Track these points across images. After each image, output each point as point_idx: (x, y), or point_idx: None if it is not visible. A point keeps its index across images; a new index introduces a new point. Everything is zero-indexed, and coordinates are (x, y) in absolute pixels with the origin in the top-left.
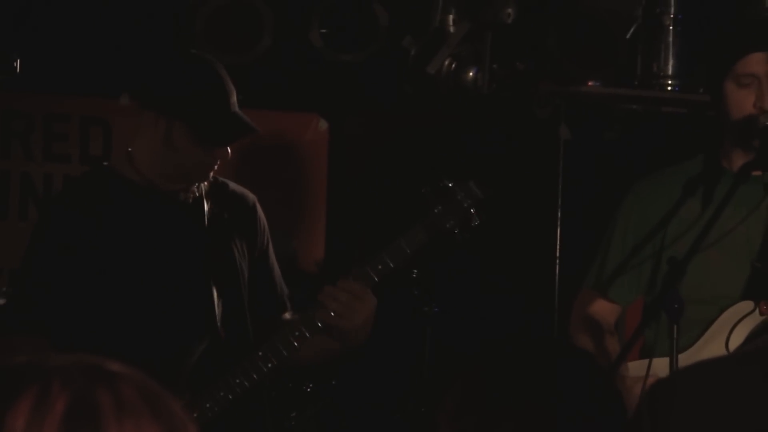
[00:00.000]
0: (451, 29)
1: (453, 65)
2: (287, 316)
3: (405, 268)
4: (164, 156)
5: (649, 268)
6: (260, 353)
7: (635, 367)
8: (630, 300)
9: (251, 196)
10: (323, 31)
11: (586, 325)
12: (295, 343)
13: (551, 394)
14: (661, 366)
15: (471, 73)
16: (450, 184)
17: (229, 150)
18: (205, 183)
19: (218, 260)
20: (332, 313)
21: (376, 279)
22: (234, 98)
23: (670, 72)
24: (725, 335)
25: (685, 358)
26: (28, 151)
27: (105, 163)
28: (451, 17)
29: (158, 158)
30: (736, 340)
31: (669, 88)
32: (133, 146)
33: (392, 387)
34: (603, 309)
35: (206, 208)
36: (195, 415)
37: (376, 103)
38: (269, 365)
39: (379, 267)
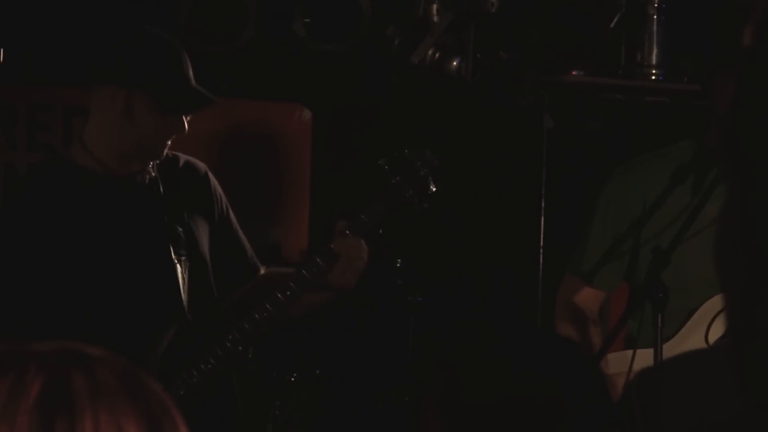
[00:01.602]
0: (435, 19)
1: (437, 55)
2: (268, 271)
3: (367, 239)
4: (122, 131)
5: (633, 256)
6: (229, 335)
7: (615, 359)
8: (614, 286)
9: (202, 166)
10: (307, 20)
11: (569, 313)
12: (261, 320)
13: (537, 384)
14: (644, 357)
15: (455, 63)
16: (406, 152)
17: (186, 124)
18: (158, 160)
19: (179, 242)
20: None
21: (336, 253)
22: (191, 73)
23: (654, 61)
24: (705, 327)
25: (665, 351)
26: (12, 141)
27: (55, 154)
28: (435, 7)
29: (115, 135)
30: (716, 332)
31: (653, 77)
32: (85, 131)
33: (376, 377)
34: (587, 296)
35: (161, 188)
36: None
37: (359, 93)
38: (238, 346)
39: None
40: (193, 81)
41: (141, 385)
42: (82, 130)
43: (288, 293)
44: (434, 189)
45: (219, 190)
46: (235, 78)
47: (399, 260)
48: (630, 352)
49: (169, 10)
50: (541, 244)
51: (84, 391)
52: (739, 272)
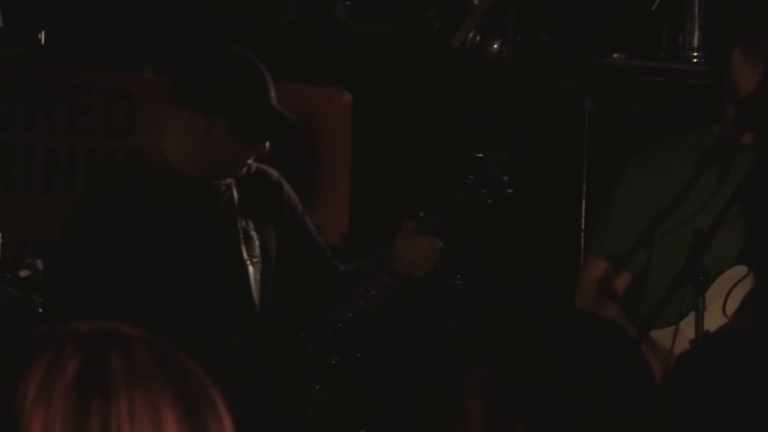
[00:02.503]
0: (475, 1)
1: (477, 37)
2: (343, 270)
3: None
4: (200, 152)
5: (658, 241)
6: (301, 334)
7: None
8: (637, 271)
9: (275, 173)
10: (347, 3)
11: (595, 298)
12: (361, 303)
13: (580, 366)
14: (663, 337)
15: (495, 46)
16: (481, 155)
17: (267, 145)
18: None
19: (251, 244)
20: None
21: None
22: (273, 93)
23: (695, 44)
24: (722, 300)
25: (683, 327)
26: (52, 123)
27: (131, 155)
28: None
29: (193, 153)
30: (733, 304)
31: (694, 60)
32: (163, 140)
33: (417, 360)
34: (613, 280)
35: (235, 193)
36: (241, 400)
37: (399, 76)
38: (310, 345)
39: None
40: (275, 104)
41: (179, 366)
42: (158, 140)
43: (352, 304)
44: (510, 190)
45: (293, 196)
46: (275, 61)
47: (440, 243)
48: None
49: None
50: (583, 227)
51: (120, 371)
52: None
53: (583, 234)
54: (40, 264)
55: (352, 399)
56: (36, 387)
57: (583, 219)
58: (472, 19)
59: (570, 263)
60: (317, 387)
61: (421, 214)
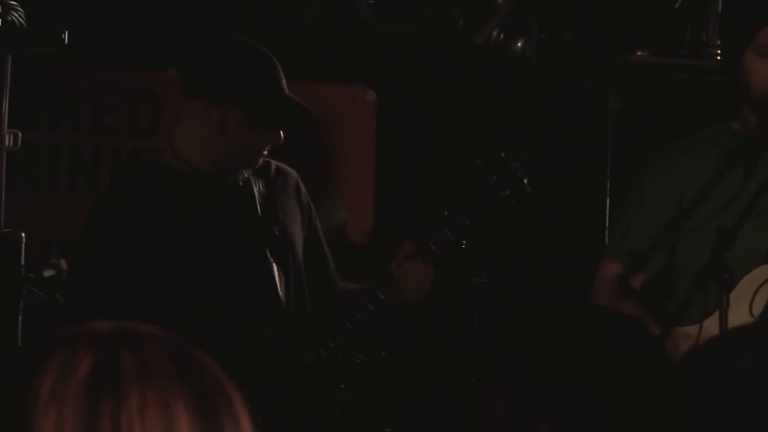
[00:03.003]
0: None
1: (501, 36)
2: (341, 286)
3: (461, 238)
4: (216, 143)
5: (679, 240)
6: (327, 331)
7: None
8: (655, 271)
9: (294, 174)
10: (371, 1)
11: (612, 297)
12: (360, 317)
13: (603, 363)
14: (688, 335)
15: (519, 44)
16: (503, 154)
17: (282, 133)
18: (252, 170)
19: (275, 241)
20: (403, 292)
21: (437, 252)
22: (284, 81)
23: (718, 41)
24: (749, 299)
25: (709, 324)
26: (77, 123)
27: (149, 155)
28: None
29: (209, 146)
30: (760, 303)
31: (718, 57)
32: (178, 137)
33: (442, 358)
34: (629, 280)
35: (255, 189)
36: (268, 399)
37: (423, 74)
38: (337, 342)
39: (440, 241)
40: (287, 92)
41: (194, 365)
42: (171, 136)
43: (377, 301)
44: (531, 190)
45: (308, 198)
46: (299, 59)
47: (464, 241)
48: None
49: None
50: (607, 224)
51: (131, 369)
52: None
53: (607, 231)
54: (64, 264)
55: (376, 398)
56: (50, 386)
57: (607, 216)
58: (496, 17)
59: (595, 261)
60: (342, 386)
61: (446, 212)
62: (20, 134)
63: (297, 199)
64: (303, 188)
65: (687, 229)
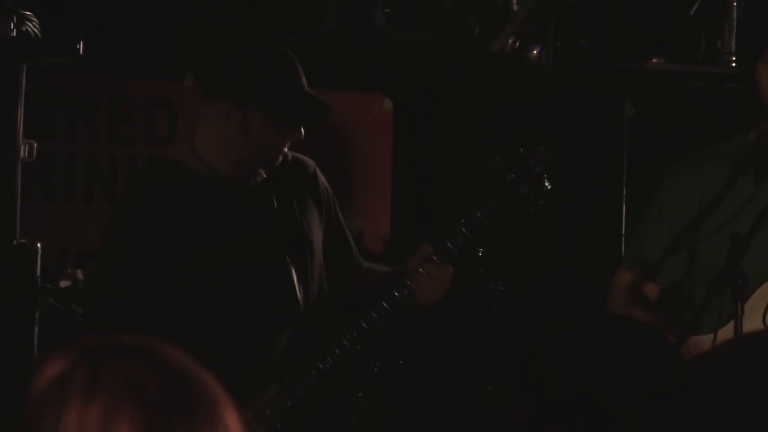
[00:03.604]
0: (515, 7)
1: (517, 43)
2: (366, 268)
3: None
4: (238, 144)
5: (692, 250)
6: (346, 334)
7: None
8: (673, 281)
9: (311, 163)
10: (387, 10)
11: (627, 306)
12: (376, 317)
13: (615, 371)
14: (703, 343)
15: (535, 51)
16: (521, 151)
17: (303, 131)
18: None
19: (293, 243)
20: (422, 292)
21: (456, 252)
22: (304, 80)
23: (734, 48)
24: (762, 309)
25: (724, 334)
26: (93, 132)
27: (169, 160)
28: None
29: (230, 147)
30: None
31: (733, 64)
32: (196, 137)
33: (459, 366)
34: (645, 290)
35: (273, 189)
36: (288, 403)
37: (440, 82)
38: (357, 346)
39: (459, 240)
40: (308, 91)
41: (168, 386)
42: (192, 138)
43: (395, 302)
44: (549, 186)
45: (327, 186)
46: (316, 68)
47: (481, 250)
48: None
49: (251, 1)
50: (623, 232)
51: (82, 384)
52: None
53: (623, 239)
54: (80, 274)
55: (394, 406)
56: (35, 388)
57: (623, 224)
58: (512, 24)
59: (611, 268)
60: (360, 394)
61: (462, 221)
62: (35, 144)
63: (314, 190)
64: (321, 177)
65: (702, 239)
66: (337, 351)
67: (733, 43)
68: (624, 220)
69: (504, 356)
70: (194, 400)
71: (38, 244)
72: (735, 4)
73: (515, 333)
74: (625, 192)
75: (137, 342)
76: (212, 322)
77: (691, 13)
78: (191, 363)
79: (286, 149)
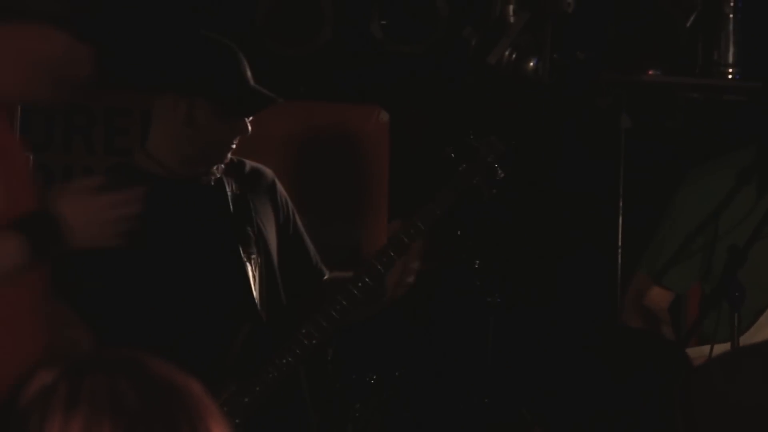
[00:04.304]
0: (512, 19)
1: (513, 55)
2: (329, 277)
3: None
4: (185, 138)
5: (705, 256)
6: (303, 330)
7: (692, 354)
8: (685, 287)
9: (270, 173)
10: (383, 22)
11: (639, 310)
12: (335, 314)
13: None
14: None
15: (531, 63)
16: (472, 142)
17: (249, 126)
18: (223, 164)
19: (248, 240)
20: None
21: (407, 242)
22: (250, 73)
23: (730, 60)
24: None
25: (743, 341)
26: (90, 145)
27: (119, 161)
28: (511, 7)
29: (179, 141)
30: None
31: (730, 76)
32: (148, 138)
33: (456, 377)
34: (657, 295)
35: (228, 189)
36: (246, 400)
37: (436, 95)
38: (314, 341)
39: (412, 231)
40: (252, 82)
41: (149, 400)
42: (145, 138)
43: (351, 297)
44: (502, 175)
45: (285, 196)
46: (313, 80)
47: (477, 261)
48: (707, 347)
49: (247, 13)
50: (620, 243)
51: (62, 398)
52: None
53: (620, 251)
54: None
55: (391, 417)
56: (22, 398)
57: (620, 236)
58: (509, 37)
59: (607, 280)
60: (357, 405)
61: (416, 213)
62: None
63: (272, 198)
64: (279, 187)
65: (717, 246)
66: (295, 348)
67: (730, 55)
68: (621, 231)
69: (500, 367)
70: (178, 413)
71: None
72: (731, 16)
73: (512, 344)
74: (621, 204)
75: (123, 356)
76: (166, 323)
77: (688, 24)
78: (180, 376)
79: (234, 145)
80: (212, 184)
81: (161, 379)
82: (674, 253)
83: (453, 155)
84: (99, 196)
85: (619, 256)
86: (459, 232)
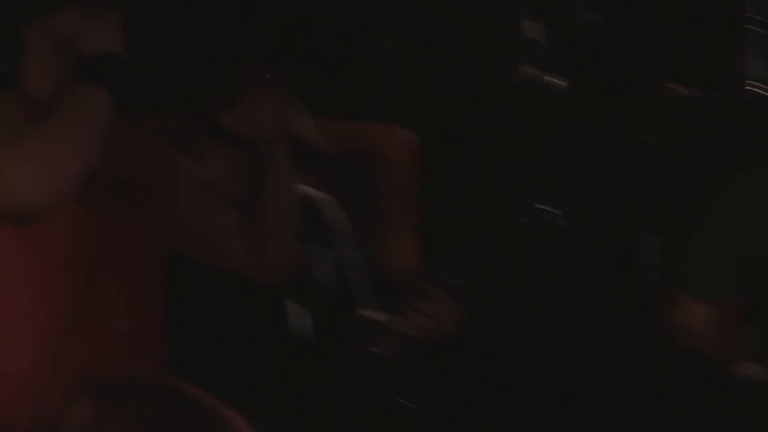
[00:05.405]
0: (530, 35)
1: (533, 71)
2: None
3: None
4: None
5: (744, 266)
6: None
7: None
8: (721, 298)
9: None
10: (404, 40)
11: (680, 326)
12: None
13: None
14: None
15: (551, 78)
16: (520, 183)
17: None
18: None
19: None
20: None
21: (457, 284)
22: None
23: (757, 74)
24: None
25: None
26: None
27: None
28: (529, 22)
29: None
30: None
31: (754, 89)
32: None
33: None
34: (695, 308)
35: None
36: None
37: (456, 111)
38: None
39: (455, 274)
40: None
41: (188, 414)
42: None
43: None
44: (553, 218)
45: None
46: (337, 99)
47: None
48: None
49: (262, 30)
50: (641, 261)
51: (80, 423)
52: None
53: (642, 266)
54: None
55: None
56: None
57: (641, 251)
58: (527, 52)
59: (630, 298)
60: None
61: (457, 254)
62: None
63: None
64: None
65: (746, 256)
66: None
67: (756, 69)
68: (642, 247)
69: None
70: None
71: None
72: (758, 30)
73: (516, 357)
74: (643, 219)
75: (155, 380)
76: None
77: (710, 38)
78: (212, 400)
79: None
80: None
81: (194, 401)
82: (715, 265)
83: (499, 196)
84: None
85: (641, 272)
86: (457, 254)
